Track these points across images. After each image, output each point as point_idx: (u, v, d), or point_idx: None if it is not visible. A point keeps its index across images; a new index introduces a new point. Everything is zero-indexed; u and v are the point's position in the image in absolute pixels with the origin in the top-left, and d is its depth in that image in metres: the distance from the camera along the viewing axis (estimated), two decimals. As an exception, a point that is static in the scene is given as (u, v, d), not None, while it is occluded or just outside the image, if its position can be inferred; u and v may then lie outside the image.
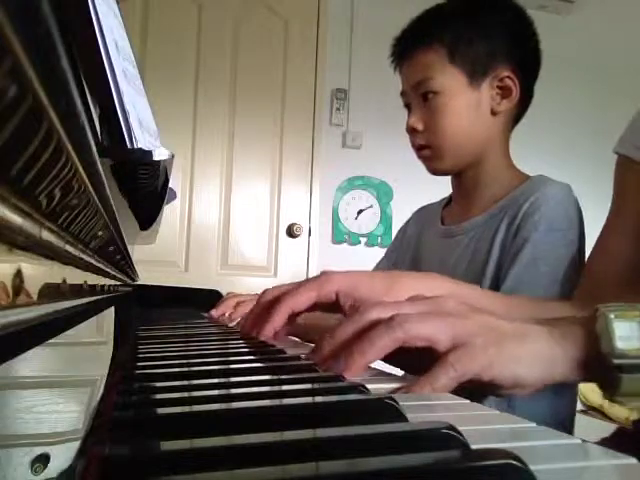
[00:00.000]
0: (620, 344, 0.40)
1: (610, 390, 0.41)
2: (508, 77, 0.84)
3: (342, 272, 0.56)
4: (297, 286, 0.55)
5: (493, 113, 0.86)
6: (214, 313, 0.98)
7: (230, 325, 0.86)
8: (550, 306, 0.68)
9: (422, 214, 1.08)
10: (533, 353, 0.41)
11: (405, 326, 0.39)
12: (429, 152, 0.88)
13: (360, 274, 0.57)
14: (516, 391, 0.41)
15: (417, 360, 0.40)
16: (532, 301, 0.68)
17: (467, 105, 0.85)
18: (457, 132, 0.85)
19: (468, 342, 0.39)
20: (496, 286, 0.78)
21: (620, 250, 0.72)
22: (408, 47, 0.88)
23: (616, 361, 0.40)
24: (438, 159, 0.88)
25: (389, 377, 0.42)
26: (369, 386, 0.31)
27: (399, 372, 0.50)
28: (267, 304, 0.57)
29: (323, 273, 0.56)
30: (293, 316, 0.55)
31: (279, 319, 0.53)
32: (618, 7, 2.89)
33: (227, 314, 0.95)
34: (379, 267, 1.10)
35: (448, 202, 1.01)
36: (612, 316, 0.41)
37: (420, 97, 0.86)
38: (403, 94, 0.91)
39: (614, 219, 0.75)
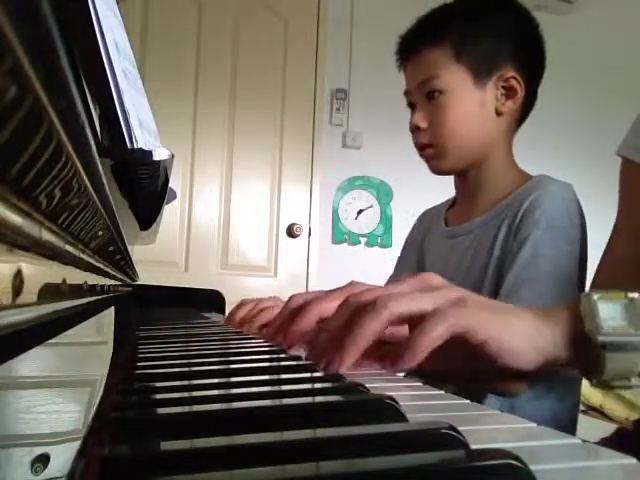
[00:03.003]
0: (604, 324, 0.40)
1: (596, 373, 0.41)
2: (513, 77, 0.84)
3: (369, 284, 0.57)
4: (326, 293, 0.54)
5: (498, 113, 0.86)
6: (237, 318, 0.85)
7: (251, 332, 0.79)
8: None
9: (425, 217, 1.08)
10: (523, 328, 0.41)
11: (389, 305, 0.39)
12: (432, 151, 0.87)
13: (387, 286, 0.58)
14: (508, 361, 0.40)
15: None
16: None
17: (472, 105, 0.85)
18: (461, 131, 0.85)
19: (459, 304, 0.39)
20: (497, 285, 0.78)
21: (628, 253, 0.72)
22: (414, 45, 0.88)
23: (600, 338, 0.40)
24: (441, 158, 0.87)
25: (389, 377, 0.42)
26: (369, 386, 0.31)
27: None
28: (294, 311, 0.55)
29: (351, 283, 0.55)
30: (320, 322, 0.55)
31: (307, 323, 0.52)
32: (618, 7, 2.89)
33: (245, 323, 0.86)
34: (390, 280, 1.09)
35: (452, 204, 1.01)
36: (595, 297, 0.41)
37: (425, 96, 0.86)
38: (407, 93, 0.91)
39: (621, 222, 0.74)
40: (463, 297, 0.40)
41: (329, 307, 0.52)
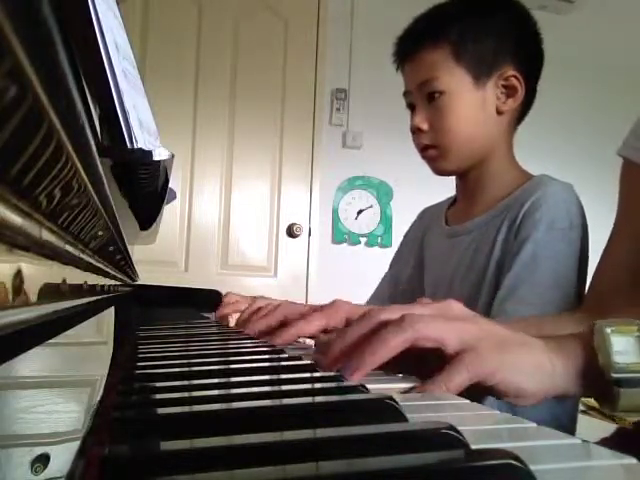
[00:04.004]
0: (618, 358, 0.40)
1: (609, 405, 0.41)
2: (513, 76, 0.84)
3: (350, 302, 0.59)
4: (309, 313, 0.58)
5: (498, 112, 0.85)
6: (218, 314, 0.97)
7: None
8: (555, 321, 0.68)
9: (426, 215, 1.08)
10: (534, 364, 0.41)
11: (416, 326, 0.39)
12: (434, 152, 0.87)
13: (367, 306, 0.60)
14: (517, 400, 0.41)
15: (416, 364, 0.41)
16: (538, 319, 0.69)
17: (473, 105, 0.85)
18: (463, 132, 0.85)
19: (476, 346, 0.39)
20: (497, 286, 0.78)
21: (627, 256, 0.71)
22: (412, 46, 0.87)
23: (614, 375, 0.40)
24: (443, 159, 0.87)
25: (389, 377, 0.42)
26: (369, 386, 0.31)
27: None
28: (278, 321, 0.62)
29: (333, 302, 0.58)
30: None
31: (287, 340, 0.57)
32: (618, 7, 2.89)
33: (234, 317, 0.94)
34: (384, 279, 1.09)
35: (453, 202, 1.01)
36: (609, 331, 0.41)
37: (425, 97, 0.86)
38: (406, 94, 0.91)
39: (620, 224, 0.74)
40: (481, 338, 0.40)
41: (310, 329, 0.57)
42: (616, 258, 0.72)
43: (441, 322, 0.41)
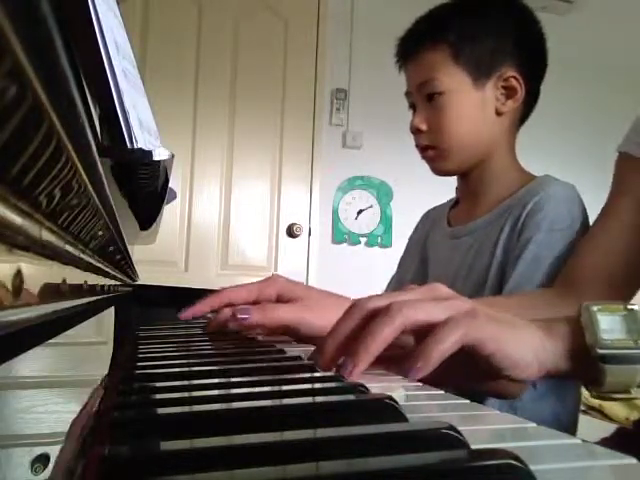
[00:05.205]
0: (604, 335, 0.41)
1: (596, 384, 0.42)
2: (513, 77, 0.84)
3: (286, 278, 0.64)
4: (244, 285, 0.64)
5: (498, 113, 0.85)
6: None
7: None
8: (529, 298, 0.69)
9: (429, 216, 1.08)
10: (527, 339, 0.42)
11: (404, 312, 0.39)
12: (433, 153, 0.87)
13: (299, 282, 0.65)
14: (512, 372, 0.41)
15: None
16: (511, 297, 0.70)
17: (472, 106, 0.84)
18: (461, 133, 0.85)
19: (470, 315, 0.39)
20: (499, 286, 0.78)
21: (610, 246, 0.72)
22: (413, 47, 0.87)
23: (600, 351, 0.41)
24: (442, 160, 0.87)
25: (389, 377, 0.42)
26: (369, 386, 0.31)
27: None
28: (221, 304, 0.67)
29: (271, 276, 0.64)
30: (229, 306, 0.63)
31: (216, 302, 0.64)
32: (618, 7, 2.89)
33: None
34: (391, 282, 1.09)
35: (455, 203, 1.01)
36: (595, 309, 0.42)
37: (424, 97, 0.86)
38: (408, 94, 0.91)
39: (609, 215, 0.74)
40: (474, 308, 0.40)
41: (240, 294, 0.63)
42: (598, 247, 0.72)
43: (429, 303, 0.40)
